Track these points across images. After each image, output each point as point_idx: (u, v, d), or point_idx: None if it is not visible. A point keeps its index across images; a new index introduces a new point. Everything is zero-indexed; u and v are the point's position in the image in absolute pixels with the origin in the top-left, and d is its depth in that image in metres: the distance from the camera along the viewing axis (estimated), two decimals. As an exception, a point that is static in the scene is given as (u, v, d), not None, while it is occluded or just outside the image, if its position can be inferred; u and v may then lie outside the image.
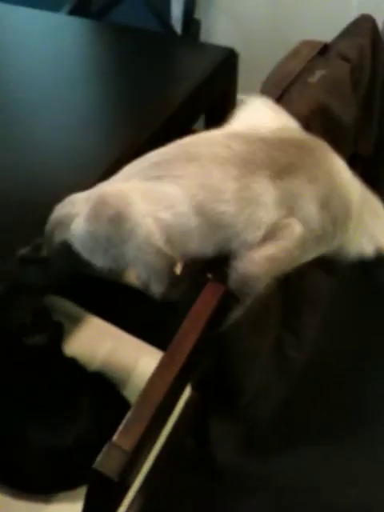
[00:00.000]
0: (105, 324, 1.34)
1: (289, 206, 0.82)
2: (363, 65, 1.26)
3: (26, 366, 1.15)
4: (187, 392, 1.22)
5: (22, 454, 1.05)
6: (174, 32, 1.93)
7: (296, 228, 0.82)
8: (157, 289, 0.87)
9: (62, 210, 0.90)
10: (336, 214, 0.85)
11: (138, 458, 0.61)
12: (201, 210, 0.81)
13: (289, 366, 1.37)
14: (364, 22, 1.32)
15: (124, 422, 0.58)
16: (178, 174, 0.82)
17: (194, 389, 1.23)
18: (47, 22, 1.66)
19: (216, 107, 1.53)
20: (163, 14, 2.04)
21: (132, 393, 1.16)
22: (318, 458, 1.60)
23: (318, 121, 1.10)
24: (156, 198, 0.81)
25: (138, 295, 1.39)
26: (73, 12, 1.85)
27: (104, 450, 0.57)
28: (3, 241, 1.00)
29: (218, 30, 2.30)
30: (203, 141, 0.88)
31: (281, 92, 1.03)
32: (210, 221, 0.82)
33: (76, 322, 1.33)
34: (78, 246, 0.86)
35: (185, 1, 1.85)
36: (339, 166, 0.90)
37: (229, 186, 0.81)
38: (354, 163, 1.42)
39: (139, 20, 2.06)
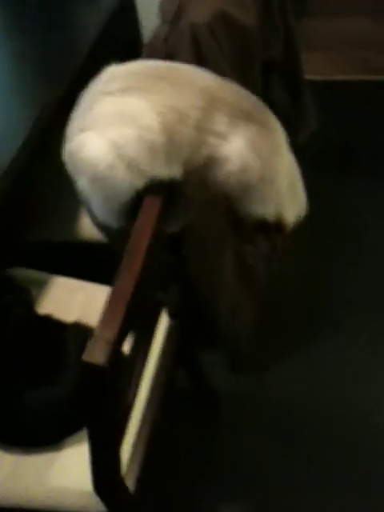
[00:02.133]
0: (72, 280, 1.36)
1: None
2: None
3: (4, 334, 1.17)
4: (165, 321, 1.26)
5: (24, 415, 1.08)
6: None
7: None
8: (115, 221, 0.91)
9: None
10: (265, 171, 0.93)
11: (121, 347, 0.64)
12: (167, 129, 0.86)
13: (252, 276, 1.42)
14: None
15: (101, 317, 0.62)
16: (147, 88, 0.86)
17: (171, 317, 1.27)
18: None
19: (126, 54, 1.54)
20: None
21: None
22: (305, 365, 1.67)
23: (222, 29, 1.13)
24: (121, 110, 0.86)
25: (95, 249, 1.44)
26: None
27: (88, 344, 0.60)
28: None
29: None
30: (178, 66, 0.92)
31: (178, 2, 1.06)
32: (174, 142, 0.87)
33: (43, 285, 1.35)
34: None
35: None
36: (282, 140, 0.98)
37: (193, 114, 0.87)
38: (269, 70, 1.46)
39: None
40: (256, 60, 1.19)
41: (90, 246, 1.46)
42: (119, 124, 0.86)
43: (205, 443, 1.56)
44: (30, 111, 1.20)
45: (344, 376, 1.64)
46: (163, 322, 1.24)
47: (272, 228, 1.03)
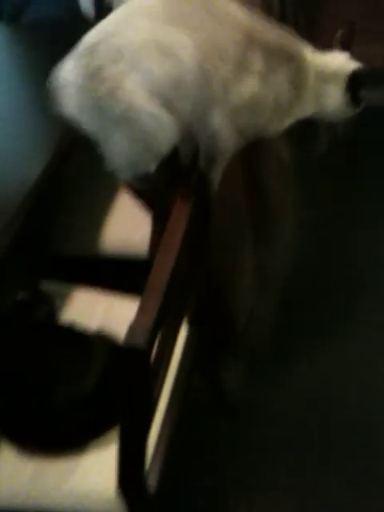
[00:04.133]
0: (94, 293, 1.40)
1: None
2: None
3: (31, 342, 1.21)
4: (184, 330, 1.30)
5: (50, 416, 1.10)
6: (86, 20, 2.00)
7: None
8: (139, 166, 0.88)
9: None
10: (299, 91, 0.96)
11: (160, 332, 0.68)
12: (202, 66, 0.84)
13: (266, 275, 1.44)
14: None
15: (140, 303, 0.66)
16: (188, 19, 0.84)
17: (190, 324, 1.30)
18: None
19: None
20: (73, 7, 2.10)
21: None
22: (319, 368, 1.71)
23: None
24: (160, 42, 0.82)
25: (118, 263, 1.48)
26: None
27: (128, 330, 0.64)
28: None
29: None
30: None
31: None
32: (207, 77, 0.85)
33: (66, 296, 1.39)
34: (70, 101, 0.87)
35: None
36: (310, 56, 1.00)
37: (230, 48, 0.86)
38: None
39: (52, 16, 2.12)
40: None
41: (110, 260, 1.50)
42: (159, 58, 0.82)
43: (221, 446, 1.59)
44: (55, 132, 1.24)
45: (359, 381, 1.68)
46: (183, 329, 1.28)
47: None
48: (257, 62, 0.89)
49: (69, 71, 0.86)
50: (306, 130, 1.63)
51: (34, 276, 1.34)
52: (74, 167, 1.31)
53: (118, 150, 0.87)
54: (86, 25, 1.92)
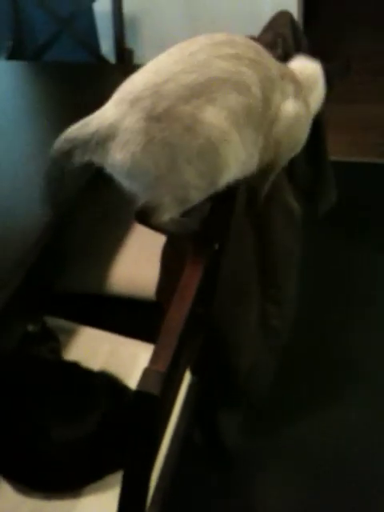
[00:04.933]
0: (98, 331, 1.40)
1: None
2: (288, 52, 1.39)
3: (34, 378, 1.20)
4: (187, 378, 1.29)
5: (49, 452, 1.09)
6: (107, 62, 2.06)
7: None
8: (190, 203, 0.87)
9: (84, 129, 0.86)
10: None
11: (171, 378, 0.68)
12: (264, 93, 0.88)
13: (275, 337, 1.46)
14: (282, 17, 1.46)
15: (154, 350, 0.66)
16: (253, 59, 0.89)
17: (192, 373, 1.30)
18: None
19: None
20: (95, 49, 2.17)
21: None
22: (324, 422, 1.71)
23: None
24: (235, 81, 0.85)
25: (123, 303, 1.48)
26: (9, 58, 1.95)
27: (142, 375, 0.64)
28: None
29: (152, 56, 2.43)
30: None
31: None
32: (266, 103, 0.90)
33: (70, 333, 1.39)
34: (122, 169, 0.84)
35: (114, 32, 1.97)
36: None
37: (274, 73, 0.92)
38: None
39: (73, 59, 2.19)
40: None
41: (116, 300, 1.50)
42: (232, 89, 0.84)
43: (217, 495, 1.57)
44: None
45: (360, 431, 1.68)
46: (185, 378, 1.28)
47: None
48: (288, 87, 0.95)
49: (121, 117, 0.84)
50: (316, 183, 1.67)
51: (41, 312, 1.34)
52: (86, 208, 1.33)
53: (185, 185, 0.86)
54: (106, 67, 2.00)
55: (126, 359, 1.32)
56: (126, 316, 1.48)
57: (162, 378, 0.63)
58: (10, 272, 1.01)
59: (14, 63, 1.89)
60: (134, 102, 0.83)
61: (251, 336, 1.40)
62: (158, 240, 1.63)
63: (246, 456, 1.63)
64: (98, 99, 1.42)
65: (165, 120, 0.81)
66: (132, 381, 1.24)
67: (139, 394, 0.64)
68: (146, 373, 0.64)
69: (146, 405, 0.64)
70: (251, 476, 1.59)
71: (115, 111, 0.85)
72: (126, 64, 2.00)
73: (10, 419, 1.12)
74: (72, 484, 1.11)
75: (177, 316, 0.69)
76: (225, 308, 1.27)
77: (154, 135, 0.82)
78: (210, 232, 0.93)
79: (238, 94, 0.85)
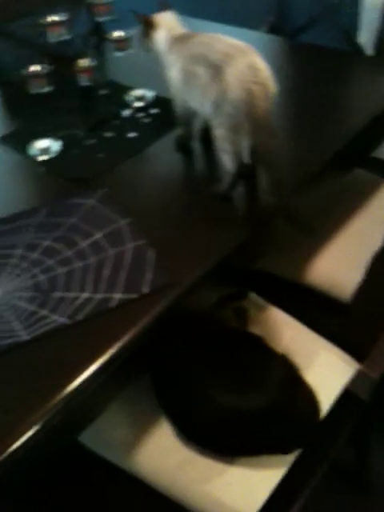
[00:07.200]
0: (286, 316, 1.41)
1: None
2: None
3: (218, 341, 1.24)
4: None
5: (212, 414, 1.12)
6: (364, 53, 2.01)
7: None
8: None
9: None
10: None
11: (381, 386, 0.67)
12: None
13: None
14: None
15: (371, 354, 0.65)
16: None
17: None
18: (249, 39, 1.79)
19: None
20: (353, 37, 2.13)
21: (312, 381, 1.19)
22: None
23: None
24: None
25: (317, 297, 1.46)
26: (270, 32, 1.98)
27: (353, 375, 0.64)
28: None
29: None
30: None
31: None
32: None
33: (260, 310, 1.41)
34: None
35: (380, 25, 1.91)
36: None
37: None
38: None
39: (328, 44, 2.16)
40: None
41: (311, 292, 1.49)
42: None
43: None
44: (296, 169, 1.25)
45: None
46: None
47: None
48: None
49: None
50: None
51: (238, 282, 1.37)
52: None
53: None
54: (362, 58, 1.94)
55: (304, 350, 1.30)
56: (316, 309, 1.46)
57: (373, 385, 0.62)
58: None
59: (272, 37, 1.92)
60: None
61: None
62: (368, 244, 1.59)
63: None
64: (348, 89, 1.41)
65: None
66: (305, 373, 1.23)
67: (347, 393, 0.63)
68: (359, 375, 0.63)
69: (351, 406, 0.63)
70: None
71: None
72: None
73: (188, 371, 1.17)
74: (225, 449, 1.14)
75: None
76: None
77: None
78: None
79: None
